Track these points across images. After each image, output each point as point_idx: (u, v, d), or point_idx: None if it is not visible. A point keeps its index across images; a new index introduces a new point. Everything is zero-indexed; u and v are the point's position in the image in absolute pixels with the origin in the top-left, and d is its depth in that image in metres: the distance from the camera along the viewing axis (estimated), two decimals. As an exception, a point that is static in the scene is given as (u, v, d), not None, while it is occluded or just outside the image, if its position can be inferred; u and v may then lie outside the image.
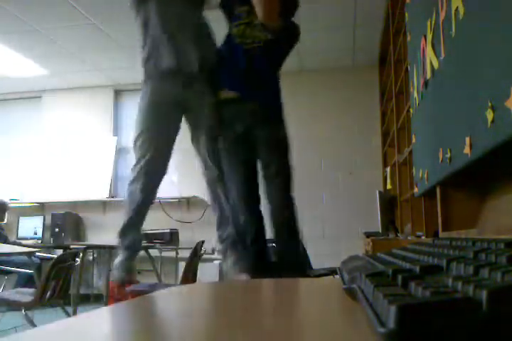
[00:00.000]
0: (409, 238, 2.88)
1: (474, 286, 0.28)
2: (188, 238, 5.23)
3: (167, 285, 3.49)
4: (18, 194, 5.91)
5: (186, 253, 3.39)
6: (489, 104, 0.88)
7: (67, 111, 6.23)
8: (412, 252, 0.63)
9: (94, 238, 5.79)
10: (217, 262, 5.24)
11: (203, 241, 3.58)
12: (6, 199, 5.48)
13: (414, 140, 2.07)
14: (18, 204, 5.86)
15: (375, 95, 5.51)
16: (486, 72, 0.93)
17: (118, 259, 2.33)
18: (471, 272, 0.37)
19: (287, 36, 2.69)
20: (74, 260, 3.20)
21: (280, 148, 2.56)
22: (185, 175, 5.55)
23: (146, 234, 5.27)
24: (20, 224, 5.77)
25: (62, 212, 5.66)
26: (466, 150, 1.05)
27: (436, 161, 1.41)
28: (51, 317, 3.28)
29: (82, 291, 4.75)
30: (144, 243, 5.13)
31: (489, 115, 0.88)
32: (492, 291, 0.25)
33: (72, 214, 5.78)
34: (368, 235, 3.40)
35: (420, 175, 1.83)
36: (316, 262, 4.00)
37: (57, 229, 5.56)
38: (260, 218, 2.51)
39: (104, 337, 0.41)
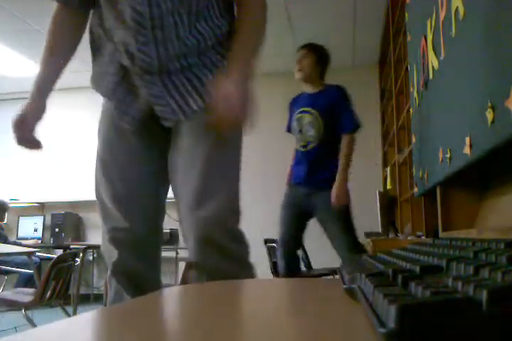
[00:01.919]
0: (409, 238, 2.88)
1: (474, 286, 0.28)
2: (188, 238, 5.22)
3: (167, 285, 3.49)
4: (18, 194, 5.91)
5: (186, 253, 3.38)
6: (489, 104, 0.88)
7: (66, 111, 6.23)
8: (412, 252, 0.63)
9: (94, 238, 5.78)
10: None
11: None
12: (6, 199, 5.48)
13: (414, 140, 2.07)
14: (18, 204, 5.86)
15: (375, 95, 5.50)
16: (486, 71, 0.93)
17: None
18: (471, 272, 0.37)
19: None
20: (74, 260, 3.20)
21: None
22: (185, 175, 5.54)
23: (146, 234, 5.28)
24: (20, 224, 5.77)
25: (62, 212, 5.66)
26: (466, 150, 1.05)
27: (436, 161, 1.41)
28: (51, 317, 3.28)
29: (82, 291, 4.75)
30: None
31: (489, 115, 0.88)
32: (492, 291, 0.25)
33: (72, 214, 5.78)
34: (368, 235, 3.40)
35: (420, 175, 1.83)
36: (316, 262, 4.00)
37: (57, 229, 5.56)
38: None
39: (104, 337, 0.41)
